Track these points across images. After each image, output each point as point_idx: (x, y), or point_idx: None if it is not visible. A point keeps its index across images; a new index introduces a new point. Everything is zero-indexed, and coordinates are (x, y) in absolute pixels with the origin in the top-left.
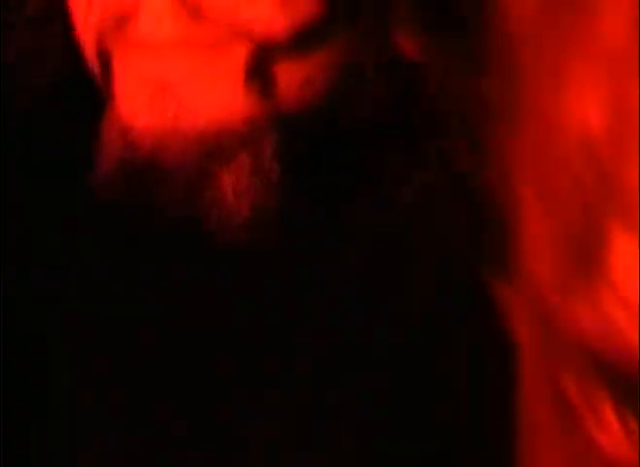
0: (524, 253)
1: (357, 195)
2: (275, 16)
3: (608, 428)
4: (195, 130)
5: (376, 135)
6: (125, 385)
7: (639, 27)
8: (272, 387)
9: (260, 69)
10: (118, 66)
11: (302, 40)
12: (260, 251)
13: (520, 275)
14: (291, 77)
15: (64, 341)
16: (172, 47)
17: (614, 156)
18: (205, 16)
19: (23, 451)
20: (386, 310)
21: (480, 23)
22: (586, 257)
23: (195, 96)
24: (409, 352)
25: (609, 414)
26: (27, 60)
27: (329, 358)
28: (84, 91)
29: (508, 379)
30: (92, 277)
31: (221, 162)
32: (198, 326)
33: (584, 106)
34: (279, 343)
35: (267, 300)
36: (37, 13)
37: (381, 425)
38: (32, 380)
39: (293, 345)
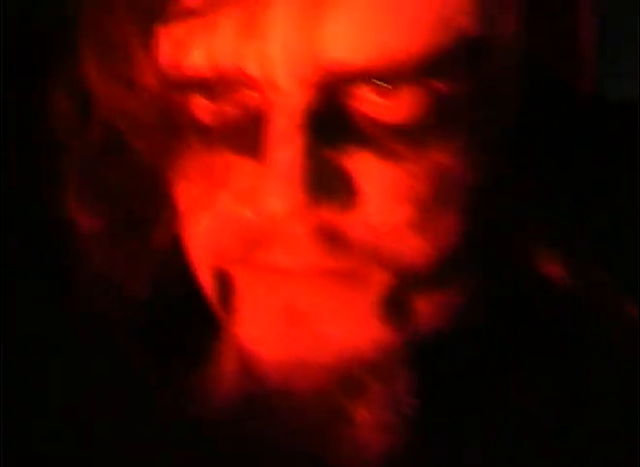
0: None
1: (490, 430)
2: (419, 247)
3: None
4: (328, 361)
5: (510, 358)
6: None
7: None
8: None
9: (397, 298)
10: (241, 290)
11: (443, 268)
12: None
13: None
14: (428, 304)
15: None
16: (306, 274)
17: None
18: (346, 245)
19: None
20: None
21: None
22: None
23: (329, 326)
24: None
25: None
26: (128, 270)
27: None
28: (193, 307)
29: None
30: None
31: (354, 395)
32: None
33: None
34: None
35: None
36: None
37: None
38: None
39: None
